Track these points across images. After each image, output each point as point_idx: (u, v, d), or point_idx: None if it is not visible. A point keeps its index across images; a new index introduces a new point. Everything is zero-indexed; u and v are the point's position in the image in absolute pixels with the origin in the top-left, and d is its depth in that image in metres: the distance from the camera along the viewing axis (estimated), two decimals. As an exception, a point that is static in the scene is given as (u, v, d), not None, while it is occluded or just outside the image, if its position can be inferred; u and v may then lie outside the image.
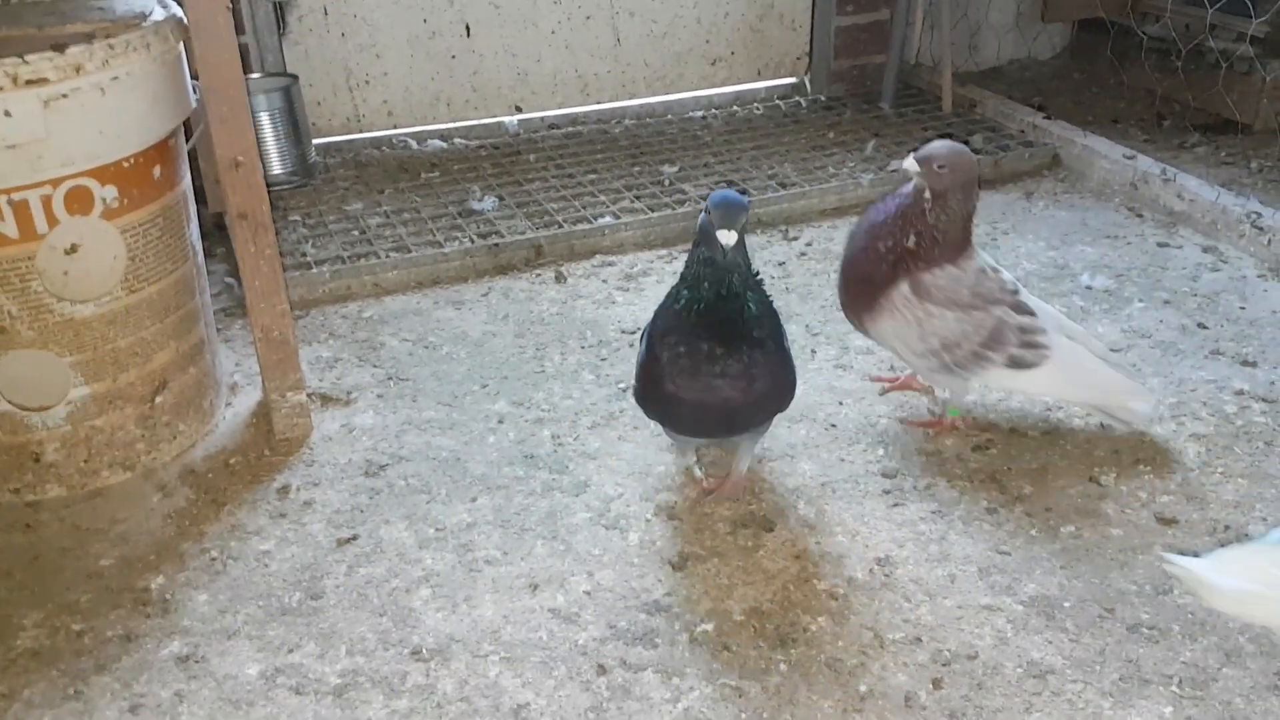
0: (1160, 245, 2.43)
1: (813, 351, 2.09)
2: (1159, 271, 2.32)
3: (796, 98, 3.25)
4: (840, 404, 1.93)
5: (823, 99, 3.23)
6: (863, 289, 1.76)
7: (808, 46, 3.26)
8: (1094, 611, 1.48)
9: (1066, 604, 1.49)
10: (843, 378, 2.00)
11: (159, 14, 1.70)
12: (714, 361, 1.51)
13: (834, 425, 1.87)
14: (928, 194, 1.68)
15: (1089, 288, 2.26)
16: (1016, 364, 1.71)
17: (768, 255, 2.46)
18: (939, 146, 1.70)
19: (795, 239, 2.53)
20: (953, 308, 1.70)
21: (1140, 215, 2.57)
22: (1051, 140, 2.86)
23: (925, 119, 3.05)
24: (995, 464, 1.76)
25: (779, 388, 1.61)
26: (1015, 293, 1.73)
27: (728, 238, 1.46)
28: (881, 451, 1.80)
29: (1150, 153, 2.74)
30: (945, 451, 1.80)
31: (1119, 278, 2.30)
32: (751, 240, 2.51)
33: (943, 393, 1.84)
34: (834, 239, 2.51)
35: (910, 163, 1.69)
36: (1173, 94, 3.09)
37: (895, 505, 1.68)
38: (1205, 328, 2.11)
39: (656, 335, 1.57)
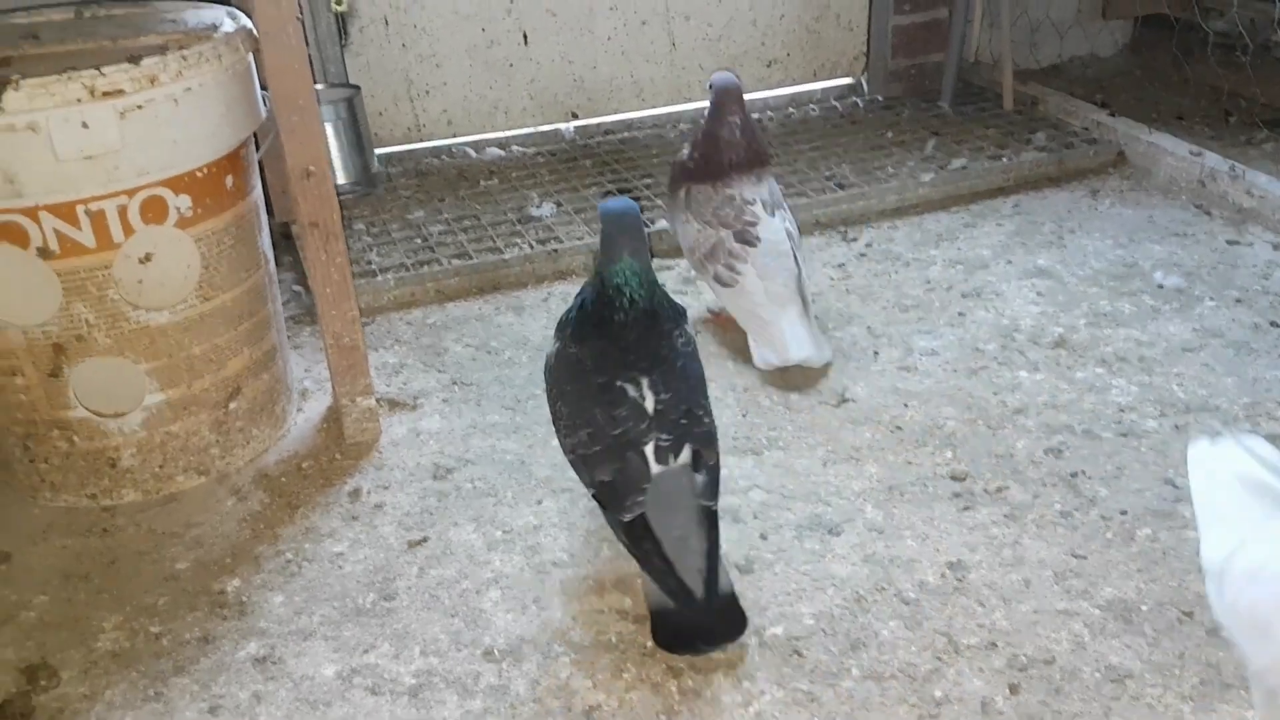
0: (1230, 243, 2.38)
1: (875, 353, 2.07)
2: (1229, 270, 2.28)
3: (853, 98, 3.23)
4: (905, 406, 1.91)
5: (880, 99, 3.21)
6: (669, 188, 2.19)
7: (864, 46, 3.24)
8: (1172, 615, 1.45)
9: (1144, 608, 1.47)
10: (907, 379, 1.98)
11: (229, 25, 1.74)
12: None
13: (899, 428, 1.86)
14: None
15: (1160, 286, 2.22)
16: (719, 280, 2.04)
17: (826, 256, 2.45)
18: (714, 76, 2.09)
19: (854, 240, 2.52)
20: (698, 220, 2.06)
21: (1208, 213, 2.52)
22: (1116, 137, 2.81)
23: (986, 117, 3.02)
24: (1068, 466, 1.74)
25: None
26: (753, 225, 2.02)
27: None
28: (950, 454, 1.78)
29: (1217, 149, 2.69)
30: (1016, 454, 1.77)
31: (1189, 276, 2.25)
32: (810, 241, 2.50)
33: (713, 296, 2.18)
34: (894, 240, 2.49)
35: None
36: (1239, 90, 3.02)
37: (965, 509, 1.66)
38: (1278, 326, 2.06)
39: None
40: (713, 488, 1.44)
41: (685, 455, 1.42)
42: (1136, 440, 1.79)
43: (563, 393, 1.51)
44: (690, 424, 1.43)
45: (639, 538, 1.41)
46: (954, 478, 1.73)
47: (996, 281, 2.29)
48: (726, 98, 2.05)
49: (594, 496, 1.48)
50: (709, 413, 1.48)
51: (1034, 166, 2.73)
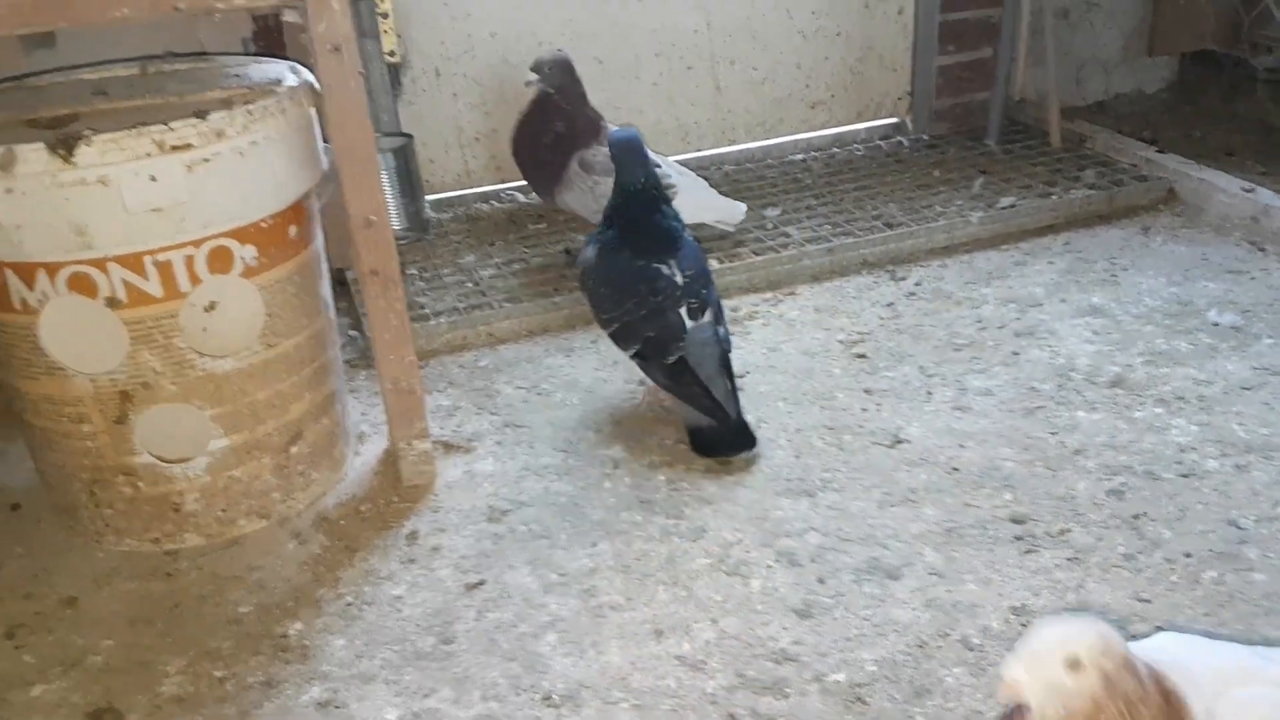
0: (1287, 279, 2.36)
1: (929, 393, 2.06)
2: (1288, 306, 2.25)
3: (898, 137, 3.24)
4: (961, 447, 1.90)
5: (925, 138, 3.21)
6: (543, 172, 2.38)
7: (909, 86, 3.25)
8: (1244, 661, 1.42)
9: (1213, 653, 1.44)
10: (962, 419, 1.97)
11: (292, 80, 1.78)
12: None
13: (956, 469, 1.85)
14: (552, 91, 2.39)
15: (1216, 324, 2.20)
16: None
17: (875, 296, 2.45)
18: (541, 55, 2.37)
19: (903, 279, 2.51)
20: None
21: (1263, 249, 2.50)
22: (1166, 174, 2.80)
23: (1033, 154, 3.01)
24: (1130, 508, 1.72)
25: None
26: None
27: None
28: (1009, 496, 1.77)
29: (1269, 185, 2.66)
30: (1078, 495, 1.76)
31: (1245, 313, 2.23)
32: (859, 280, 2.51)
33: None
34: (944, 278, 2.49)
35: (529, 76, 2.35)
36: (1290, 124, 3.01)
37: (1028, 552, 1.64)
38: (1342, 364, 2.04)
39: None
40: (728, 338, 2.00)
41: (708, 315, 1.95)
42: (1198, 481, 1.77)
43: (607, 279, 1.99)
44: (709, 291, 1.97)
45: (680, 374, 1.92)
46: (1014, 520, 1.71)
47: (1050, 320, 2.27)
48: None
49: (636, 354, 1.97)
50: (714, 284, 2.03)
51: (1084, 204, 2.72)
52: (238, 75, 1.86)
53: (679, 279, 1.93)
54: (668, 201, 2.04)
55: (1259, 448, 1.83)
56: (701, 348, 1.93)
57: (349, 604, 1.66)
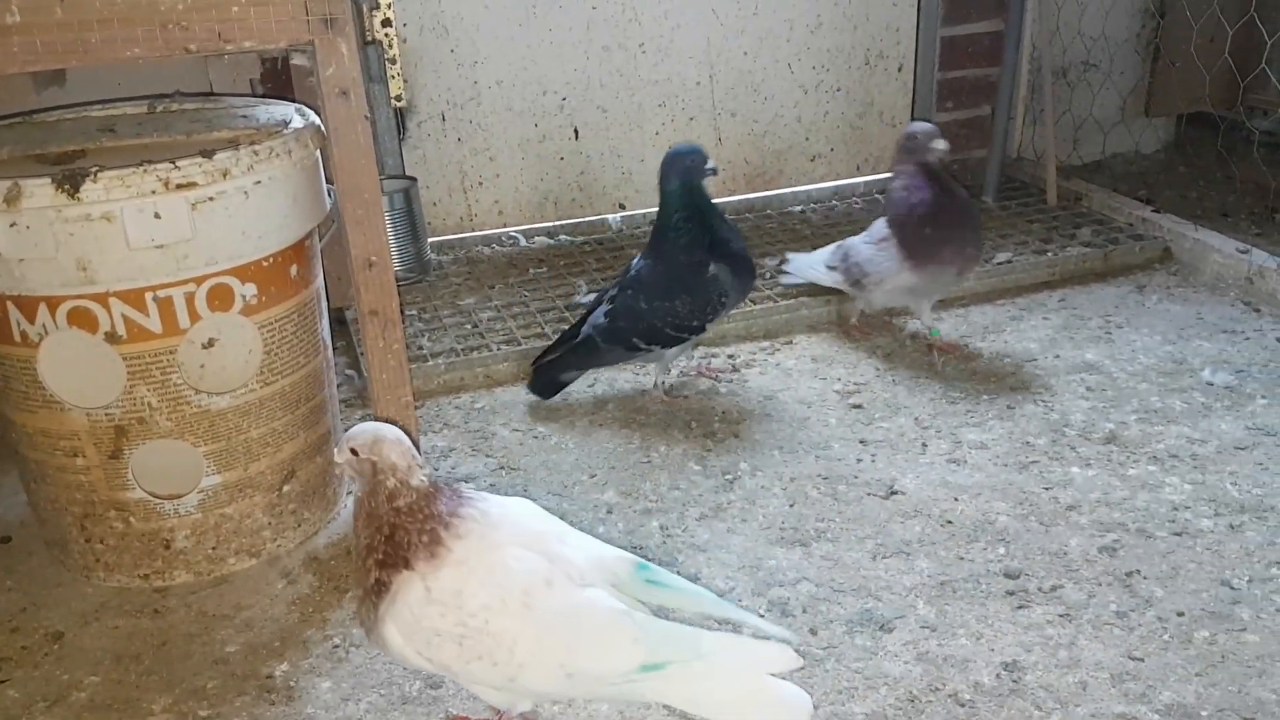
0: (1281, 340, 2.37)
1: (924, 445, 2.07)
2: (1282, 367, 2.26)
3: (896, 192, 3.27)
4: (956, 500, 1.90)
5: (923, 193, 3.24)
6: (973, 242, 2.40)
7: (908, 143, 3.29)
8: (1236, 722, 1.42)
9: (1204, 713, 1.43)
10: (956, 472, 1.98)
11: (298, 122, 1.80)
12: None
13: (950, 521, 1.85)
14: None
15: (1210, 384, 2.21)
16: None
17: (872, 347, 2.46)
18: (921, 125, 2.33)
19: (900, 331, 2.53)
20: None
21: (1258, 310, 2.51)
22: (1161, 234, 2.82)
23: (1030, 212, 3.04)
24: (1123, 565, 1.71)
25: None
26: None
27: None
28: (1003, 550, 1.77)
29: (1264, 246, 2.69)
30: (1070, 551, 1.75)
31: (1239, 373, 2.24)
32: (857, 334, 2.53)
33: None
34: (940, 332, 2.50)
35: (938, 145, 2.30)
36: (1285, 187, 3.04)
37: (1020, 607, 1.64)
38: (1335, 425, 2.04)
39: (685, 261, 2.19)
40: (595, 325, 2.24)
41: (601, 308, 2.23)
42: (1191, 540, 1.76)
43: (653, 283, 2.19)
44: (616, 293, 2.24)
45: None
46: (1007, 575, 1.71)
47: (1045, 375, 2.28)
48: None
49: (671, 339, 2.21)
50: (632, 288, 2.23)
51: (1079, 261, 2.74)
52: (245, 116, 1.88)
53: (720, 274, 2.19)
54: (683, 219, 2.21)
55: (1252, 508, 1.83)
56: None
57: (336, 645, 1.65)
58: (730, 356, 2.46)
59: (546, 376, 2.30)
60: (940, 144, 2.28)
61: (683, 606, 1.33)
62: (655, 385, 2.32)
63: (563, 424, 2.22)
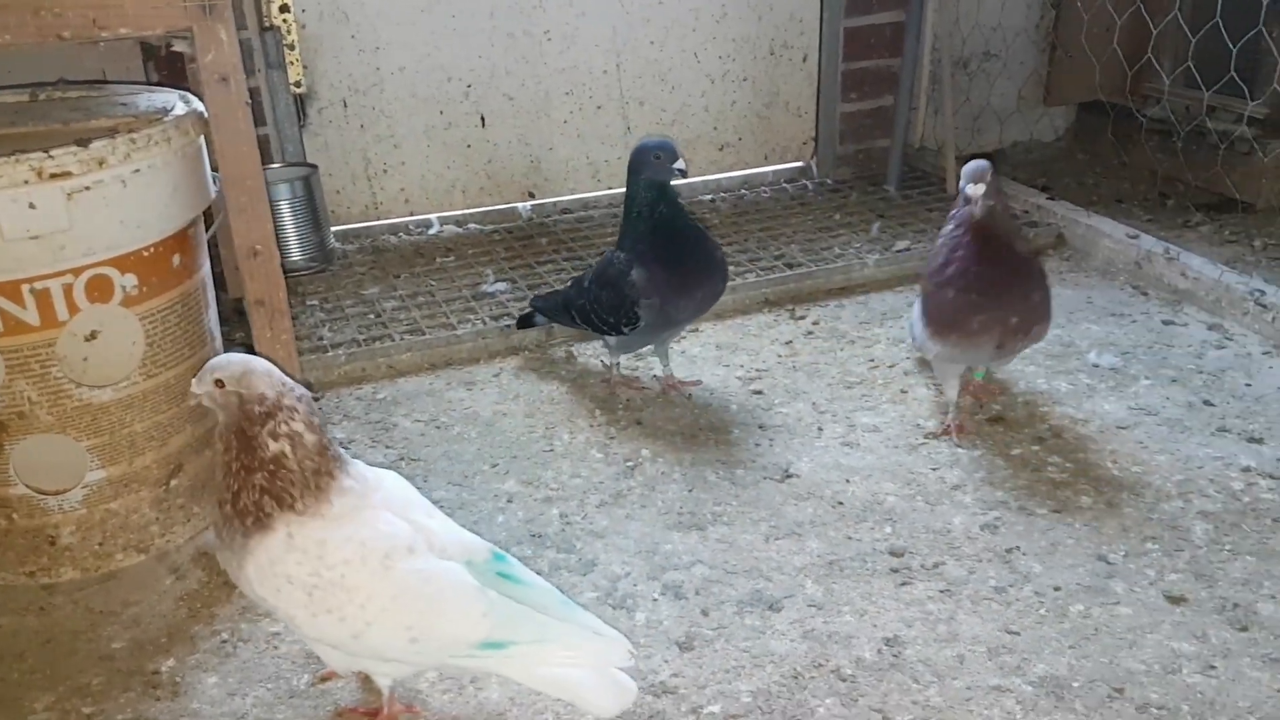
0: (1165, 323, 2.45)
1: (819, 429, 2.10)
2: (1165, 349, 2.34)
3: (803, 181, 3.32)
4: (847, 481, 1.94)
5: (829, 182, 3.29)
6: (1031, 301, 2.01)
7: (813, 132, 3.34)
8: (1103, 692, 1.47)
9: (1075, 684, 1.48)
10: (850, 455, 2.02)
11: (180, 109, 1.77)
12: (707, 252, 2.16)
13: (841, 503, 1.88)
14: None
15: (1095, 365, 2.28)
16: None
17: (774, 334, 2.49)
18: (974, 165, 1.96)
19: (802, 318, 2.57)
20: None
21: (1145, 293, 2.60)
22: (1055, 220, 2.90)
23: (930, 200, 3.11)
24: (1003, 542, 1.76)
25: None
26: None
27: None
28: (889, 529, 1.81)
29: (1154, 232, 2.78)
30: (953, 529, 1.80)
31: (1125, 355, 2.31)
32: (759, 319, 2.55)
33: None
34: (840, 318, 2.54)
35: (973, 190, 1.92)
36: (1175, 174, 3.13)
37: (903, 584, 1.68)
38: (1211, 405, 2.12)
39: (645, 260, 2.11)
40: (534, 300, 2.43)
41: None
42: (1071, 517, 1.82)
43: (599, 269, 2.18)
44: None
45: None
46: (893, 553, 1.75)
47: (938, 359, 2.33)
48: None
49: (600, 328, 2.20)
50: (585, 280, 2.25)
51: (977, 247, 2.80)
52: (125, 104, 1.84)
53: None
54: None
55: (1130, 485, 1.90)
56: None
57: (224, 640, 1.63)
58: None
59: (529, 310, 2.43)
60: (973, 189, 1.90)
61: (527, 601, 1.35)
62: (607, 365, 2.35)
63: (466, 415, 2.22)
